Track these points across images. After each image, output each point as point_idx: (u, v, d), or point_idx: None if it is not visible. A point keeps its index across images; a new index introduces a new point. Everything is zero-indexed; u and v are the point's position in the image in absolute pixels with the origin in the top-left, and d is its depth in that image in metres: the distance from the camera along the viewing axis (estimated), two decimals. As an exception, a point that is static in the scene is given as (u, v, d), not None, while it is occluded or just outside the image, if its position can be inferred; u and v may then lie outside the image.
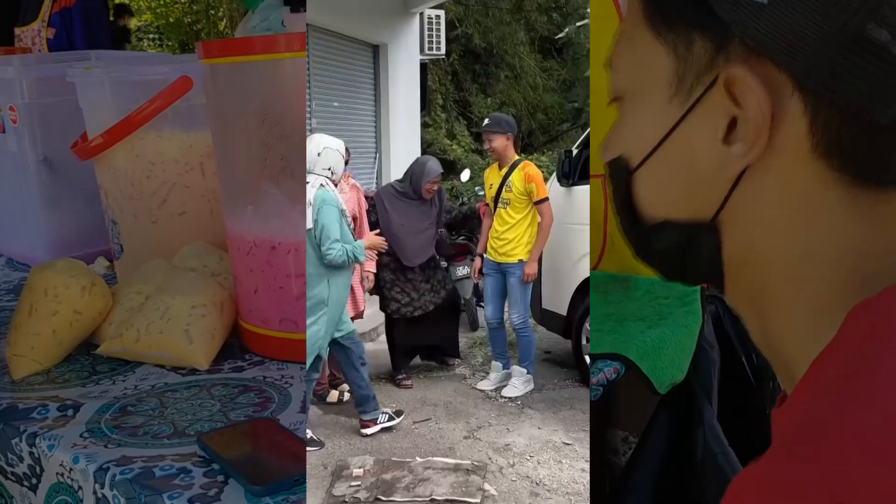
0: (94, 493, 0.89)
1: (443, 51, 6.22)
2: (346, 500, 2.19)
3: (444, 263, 3.47)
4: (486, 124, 3.04)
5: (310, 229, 2.33)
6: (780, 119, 0.40)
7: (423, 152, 6.20)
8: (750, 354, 1.58)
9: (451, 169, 7.11)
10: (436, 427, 2.73)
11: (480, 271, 3.11)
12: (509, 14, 9.04)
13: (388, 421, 2.65)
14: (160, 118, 1.35)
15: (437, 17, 6.02)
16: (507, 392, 2.98)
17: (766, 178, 0.42)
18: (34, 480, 0.98)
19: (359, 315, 3.07)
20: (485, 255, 3.07)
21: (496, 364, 3.09)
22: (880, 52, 0.37)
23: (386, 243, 2.80)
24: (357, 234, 2.75)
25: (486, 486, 2.22)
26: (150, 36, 10.88)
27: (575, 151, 2.98)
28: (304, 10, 1.32)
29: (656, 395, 1.38)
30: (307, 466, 0.89)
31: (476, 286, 3.82)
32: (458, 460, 2.40)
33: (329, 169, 2.44)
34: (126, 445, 0.94)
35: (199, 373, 1.17)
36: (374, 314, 3.41)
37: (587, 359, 2.81)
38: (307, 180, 2.39)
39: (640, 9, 0.46)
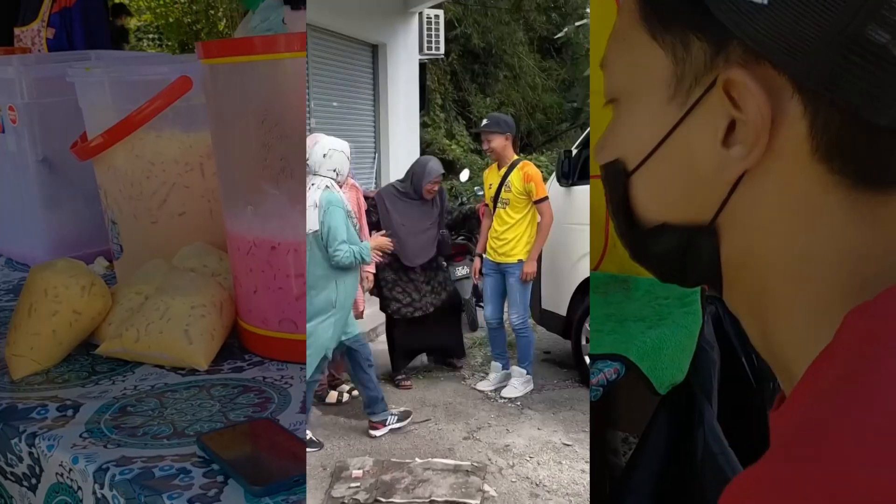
0: (94, 493, 0.89)
1: (442, 50, 6.22)
2: (346, 501, 2.18)
3: (444, 264, 3.47)
4: (485, 125, 3.04)
5: (317, 231, 2.34)
6: (780, 122, 0.40)
7: (423, 152, 6.20)
8: (750, 355, 1.58)
9: (450, 169, 7.11)
10: (435, 428, 2.72)
11: (480, 272, 3.11)
12: (508, 14, 9.03)
13: (397, 422, 2.65)
14: (160, 118, 1.35)
15: (437, 16, 6.02)
16: (506, 393, 2.97)
17: (766, 182, 0.42)
18: (34, 481, 0.98)
19: (359, 315, 3.06)
20: (484, 256, 3.07)
21: (495, 364, 3.09)
22: (881, 53, 0.37)
23: (392, 244, 2.80)
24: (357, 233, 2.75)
25: (486, 488, 2.22)
26: (150, 36, 10.87)
27: (574, 151, 2.98)
28: (304, 8, 1.32)
29: (656, 395, 1.38)
30: (306, 467, 0.89)
31: (475, 286, 3.82)
32: (458, 461, 2.40)
33: (334, 170, 2.44)
34: (126, 446, 0.94)
35: (199, 373, 1.17)
36: (374, 314, 3.40)
37: (587, 359, 2.81)
38: (312, 182, 2.39)
39: (635, 9, 0.46)
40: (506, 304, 3.04)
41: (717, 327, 1.56)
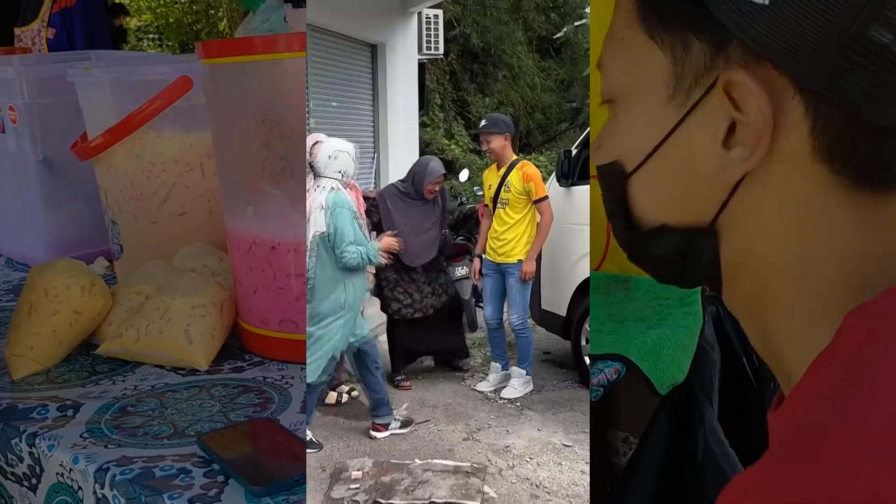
0: (94, 493, 0.89)
1: (441, 50, 6.22)
2: (345, 502, 2.18)
3: (445, 266, 3.46)
4: (484, 125, 3.04)
5: (324, 233, 2.34)
6: (781, 123, 0.40)
7: (422, 152, 6.20)
8: (750, 355, 1.58)
9: (449, 169, 7.08)
10: (435, 429, 2.72)
11: (479, 272, 3.11)
12: (507, 14, 9.03)
13: (400, 428, 2.65)
14: (160, 118, 1.35)
15: (436, 16, 6.02)
16: (506, 393, 2.97)
17: (767, 183, 0.42)
18: (34, 480, 0.98)
19: (358, 315, 3.06)
20: (483, 256, 3.07)
21: (495, 365, 3.09)
22: (883, 53, 0.37)
23: (399, 245, 2.80)
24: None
25: (486, 489, 2.22)
26: (150, 36, 10.86)
27: (574, 151, 2.98)
28: (305, 6, 1.32)
29: (657, 395, 1.38)
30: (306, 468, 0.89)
31: (475, 287, 3.82)
32: (458, 462, 2.39)
33: (340, 172, 2.45)
34: (126, 446, 0.94)
35: (199, 373, 1.17)
36: (374, 314, 3.40)
37: (587, 360, 2.80)
38: (318, 184, 2.40)
39: (633, 9, 0.45)
40: (505, 305, 3.04)
41: (718, 327, 1.56)
